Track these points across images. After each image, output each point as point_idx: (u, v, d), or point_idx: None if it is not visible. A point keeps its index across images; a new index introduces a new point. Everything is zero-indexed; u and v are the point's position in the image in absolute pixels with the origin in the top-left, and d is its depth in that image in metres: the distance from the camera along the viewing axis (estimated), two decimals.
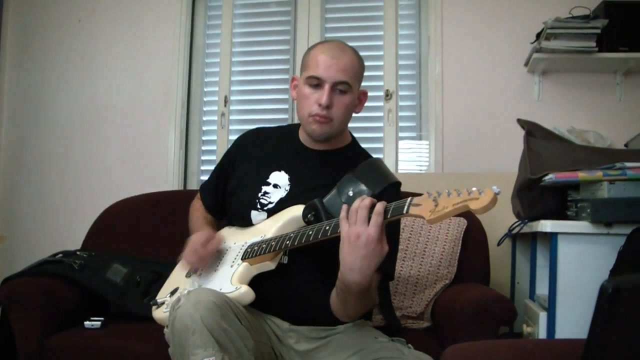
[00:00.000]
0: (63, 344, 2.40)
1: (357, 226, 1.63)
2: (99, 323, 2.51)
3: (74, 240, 3.18)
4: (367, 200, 1.66)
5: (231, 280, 1.92)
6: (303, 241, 1.81)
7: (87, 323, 2.51)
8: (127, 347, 2.36)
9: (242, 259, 1.99)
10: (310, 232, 1.80)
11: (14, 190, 4.07)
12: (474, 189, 1.46)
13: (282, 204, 2.07)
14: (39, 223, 3.99)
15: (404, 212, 1.57)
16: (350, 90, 2.02)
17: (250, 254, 1.96)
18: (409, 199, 1.59)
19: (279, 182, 2.13)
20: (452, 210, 1.47)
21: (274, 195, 2.11)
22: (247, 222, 2.13)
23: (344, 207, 1.70)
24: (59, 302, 2.54)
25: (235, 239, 2.11)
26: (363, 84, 3.65)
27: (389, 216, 1.62)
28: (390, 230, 1.78)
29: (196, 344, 1.63)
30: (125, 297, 2.70)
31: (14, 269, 2.68)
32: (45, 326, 2.44)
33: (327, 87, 1.99)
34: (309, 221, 1.90)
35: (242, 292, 1.87)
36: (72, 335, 2.45)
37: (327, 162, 2.12)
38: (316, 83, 2.01)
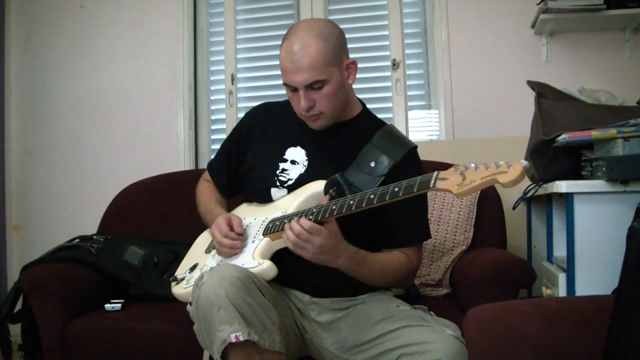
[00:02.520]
0: (85, 327, 2.41)
1: (306, 249, 1.80)
2: (120, 305, 2.51)
3: (89, 225, 3.20)
4: (295, 225, 1.80)
5: (253, 255, 1.93)
6: (327, 215, 1.79)
7: (107, 306, 2.51)
8: (149, 328, 2.37)
9: (263, 235, 1.99)
10: (334, 207, 1.79)
11: (26, 180, 4.08)
12: (501, 162, 1.45)
13: (302, 180, 2.07)
14: (53, 211, 4.02)
15: (431, 185, 1.56)
16: (326, 80, 1.96)
17: (272, 229, 1.95)
18: (436, 172, 1.58)
19: (296, 158, 2.12)
20: (480, 183, 1.46)
21: (293, 171, 2.10)
22: (266, 199, 2.12)
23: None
24: (78, 286, 2.55)
25: (255, 215, 2.11)
26: (369, 54, 3.69)
27: (415, 190, 1.61)
28: (418, 197, 1.78)
29: (222, 320, 1.65)
30: (144, 278, 2.70)
31: (30, 258, 2.68)
32: (67, 311, 2.45)
33: (301, 92, 1.96)
34: (330, 196, 1.89)
35: (265, 267, 1.88)
36: (94, 318, 2.46)
37: (341, 134, 2.11)
38: (292, 88, 1.98)
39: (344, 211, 1.76)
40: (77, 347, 2.39)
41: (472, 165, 1.50)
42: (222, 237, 2.01)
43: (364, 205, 1.72)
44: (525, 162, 1.42)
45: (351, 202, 1.75)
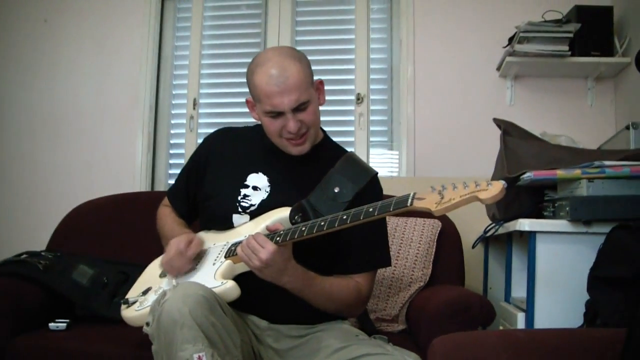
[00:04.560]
0: (27, 345, 2.30)
1: (258, 257, 1.74)
2: (65, 325, 2.42)
3: (38, 242, 3.09)
4: (250, 236, 1.79)
5: (215, 276, 1.88)
6: (296, 236, 1.76)
7: (52, 325, 2.42)
8: (93, 349, 2.27)
9: (225, 257, 1.94)
10: (304, 228, 1.75)
11: None
12: (480, 181, 1.45)
13: (264, 205, 2.03)
14: (2, 226, 3.90)
15: (408, 204, 1.54)
16: (309, 101, 1.96)
17: (234, 252, 1.90)
18: (412, 193, 1.57)
19: (258, 184, 2.08)
20: (459, 201, 1.45)
21: (255, 197, 2.06)
22: (227, 226, 2.07)
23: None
24: (22, 303, 2.44)
25: (216, 241, 2.05)
26: (333, 87, 3.68)
27: (391, 209, 1.59)
28: (376, 222, 1.75)
29: (185, 339, 1.59)
30: (92, 298, 2.61)
31: None
32: (9, 328, 2.34)
33: (289, 115, 1.93)
34: (295, 222, 1.86)
35: (228, 287, 1.83)
36: (37, 337, 2.35)
37: (304, 161, 2.08)
38: (274, 114, 1.95)
39: (314, 232, 1.73)
40: None
41: (450, 184, 1.50)
42: (183, 247, 1.96)
43: (336, 225, 1.69)
44: (504, 182, 1.42)
45: (322, 223, 1.72)
